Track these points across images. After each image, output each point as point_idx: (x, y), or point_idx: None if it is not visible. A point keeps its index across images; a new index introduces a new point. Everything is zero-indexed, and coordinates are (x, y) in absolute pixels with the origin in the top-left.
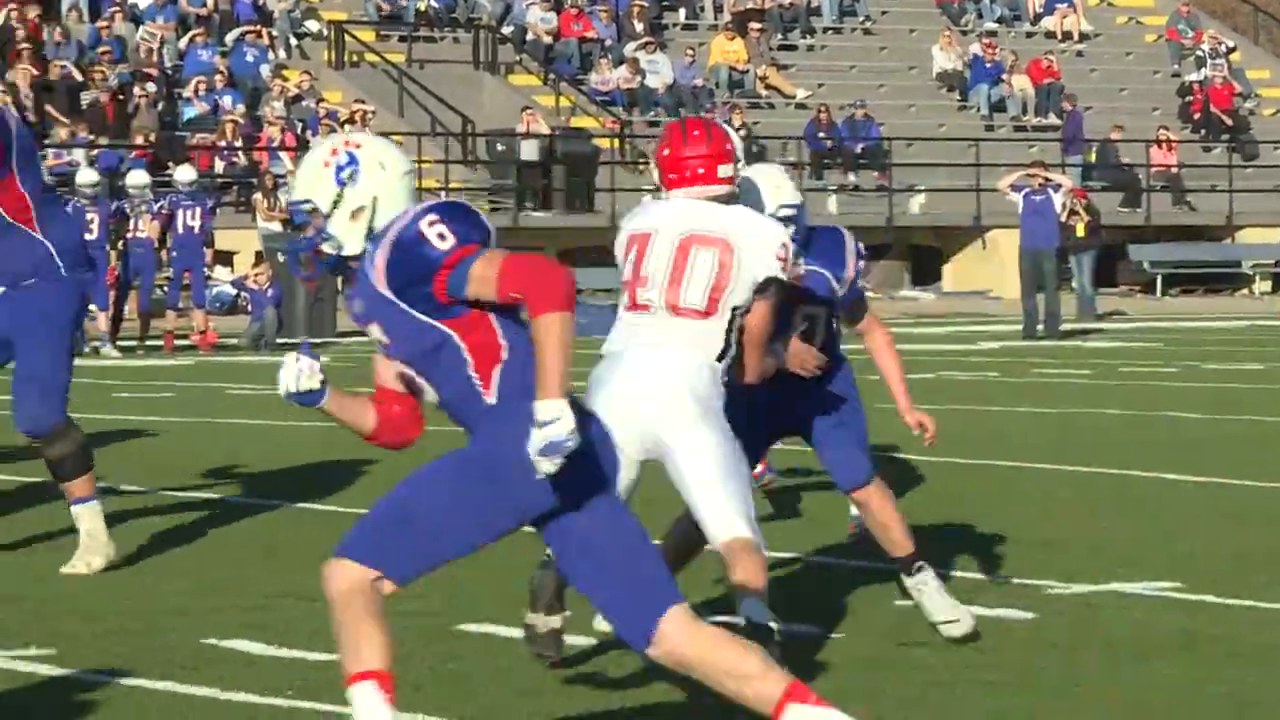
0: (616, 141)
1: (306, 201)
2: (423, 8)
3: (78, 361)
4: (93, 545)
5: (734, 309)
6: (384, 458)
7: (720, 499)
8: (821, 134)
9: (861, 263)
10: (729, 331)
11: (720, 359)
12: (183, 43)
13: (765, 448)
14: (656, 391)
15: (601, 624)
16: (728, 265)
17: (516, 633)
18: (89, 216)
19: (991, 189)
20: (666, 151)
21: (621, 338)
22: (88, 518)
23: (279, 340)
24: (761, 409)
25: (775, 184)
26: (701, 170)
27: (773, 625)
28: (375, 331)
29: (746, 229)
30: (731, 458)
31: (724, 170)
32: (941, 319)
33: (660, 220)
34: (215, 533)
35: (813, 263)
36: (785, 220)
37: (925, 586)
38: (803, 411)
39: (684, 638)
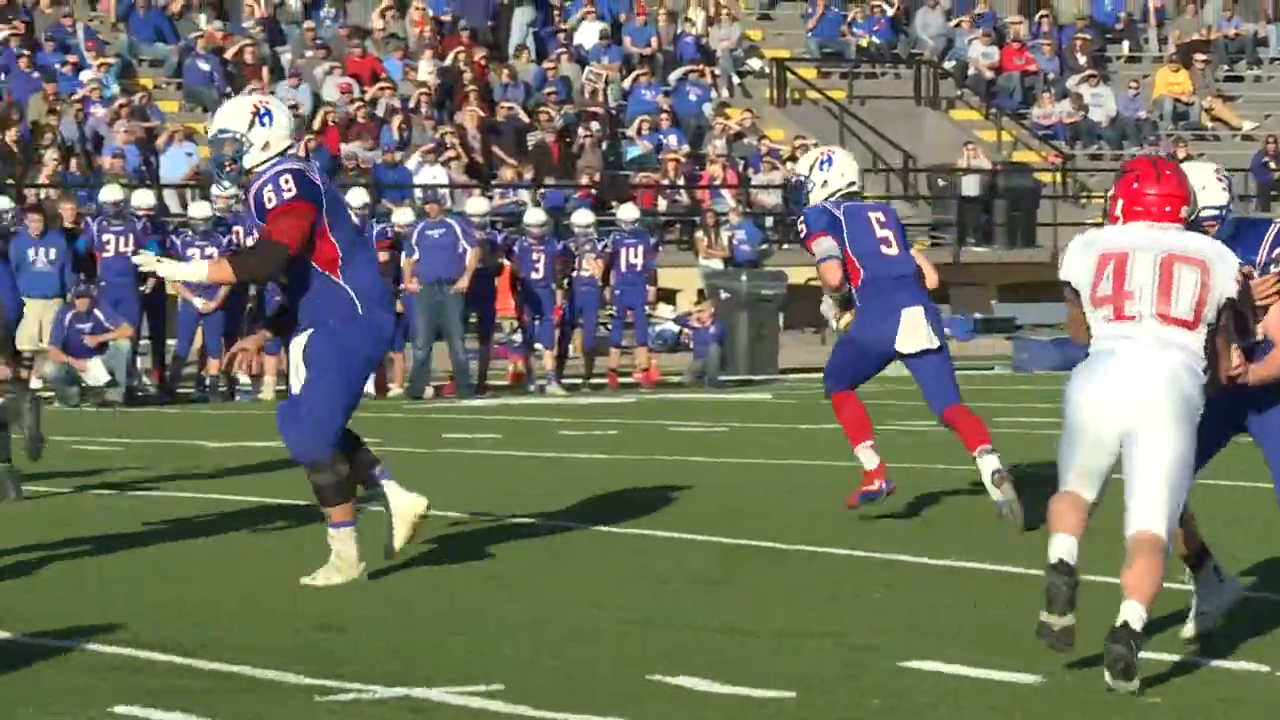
0: (1059, 176)
1: None
2: (864, 44)
3: (525, 400)
4: (340, 565)
5: (1207, 325)
6: (836, 495)
7: (1154, 494)
8: (1269, 164)
9: (1277, 251)
10: (1205, 346)
11: (1204, 371)
12: (627, 82)
13: (1218, 448)
14: (1143, 387)
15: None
16: (1206, 284)
17: (961, 670)
18: (535, 256)
19: None
20: (1135, 185)
21: (1109, 340)
22: (341, 540)
23: (722, 377)
24: (1219, 407)
25: (1201, 184)
26: (1168, 208)
27: (1137, 629)
28: None
29: (1215, 253)
30: (1184, 465)
31: (1184, 211)
32: None
33: (1134, 240)
34: (654, 568)
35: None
36: (1209, 219)
37: None
38: (1255, 416)
39: None
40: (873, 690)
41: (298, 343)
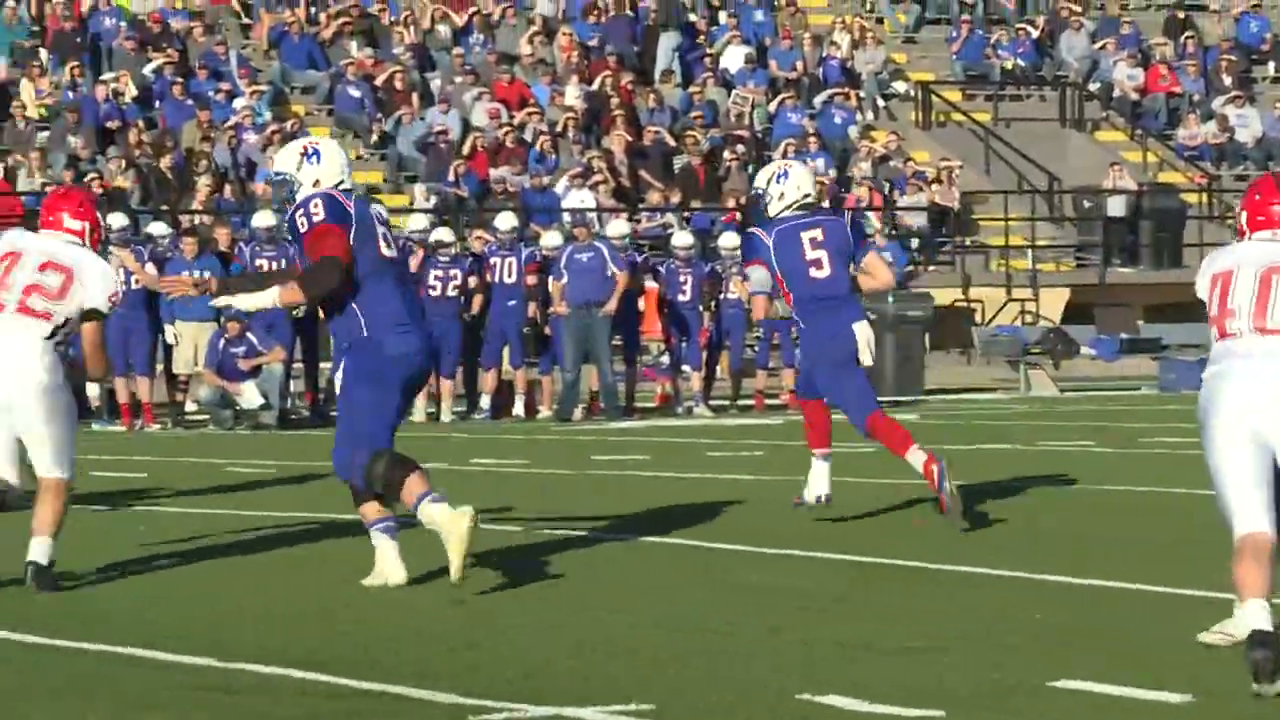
0: (1204, 196)
1: None
2: (1009, 66)
3: (673, 422)
4: (441, 527)
5: None
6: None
7: None
8: None
9: None
10: None
11: None
12: (772, 106)
13: None
14: (1259, 398)
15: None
16: None
17: (1110, 689)
18: (682, 278)
19: None
20: (1257, 197)
21: (1219, 357)
22: (426, 514)
23: None
24: None
25: None
26: None
27: None
28: None
29: None
30: None
31: None
32: None
33: (1242, 257)
34: (799, 588)
35: None
36: None
37: None
38: None
39: None
40: (1021, 709)
41: (337, 371)
